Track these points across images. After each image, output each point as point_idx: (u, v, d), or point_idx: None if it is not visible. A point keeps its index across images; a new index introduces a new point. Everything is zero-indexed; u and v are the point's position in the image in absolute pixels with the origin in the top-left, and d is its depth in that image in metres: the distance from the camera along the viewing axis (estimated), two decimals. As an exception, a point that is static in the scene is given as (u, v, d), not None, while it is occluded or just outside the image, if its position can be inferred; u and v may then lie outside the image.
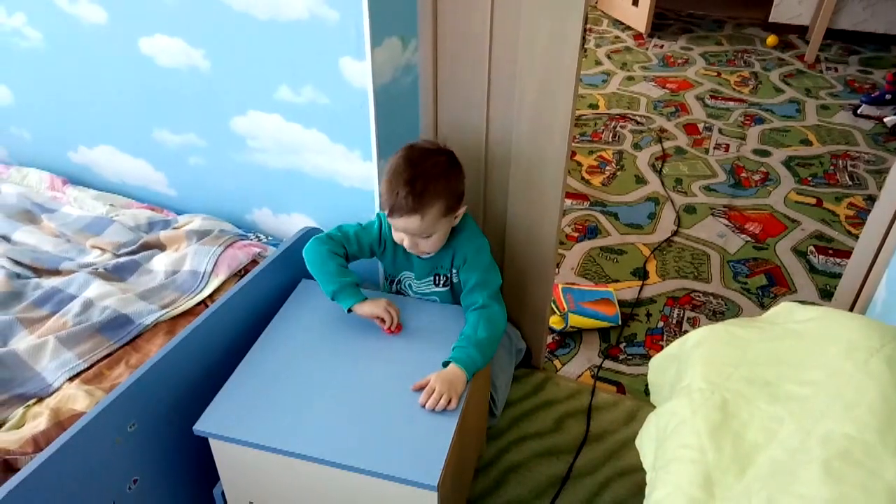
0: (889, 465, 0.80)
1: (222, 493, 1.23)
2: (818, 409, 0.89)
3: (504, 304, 1.36)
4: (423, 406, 1.15)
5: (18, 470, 0.99)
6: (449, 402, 1.15)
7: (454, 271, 1.38)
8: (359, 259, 1.41)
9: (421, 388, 1.18)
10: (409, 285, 1.44)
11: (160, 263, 1.48)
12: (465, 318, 1.33)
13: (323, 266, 1.32)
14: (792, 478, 0.81)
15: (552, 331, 2.00)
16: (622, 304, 2.12)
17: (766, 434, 0.90)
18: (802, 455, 0.83)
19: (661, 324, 2.07)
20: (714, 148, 3.06)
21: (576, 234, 2.47)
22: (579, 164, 2.92)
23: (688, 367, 1.07)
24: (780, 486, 0.80)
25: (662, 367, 1.19)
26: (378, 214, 1.41)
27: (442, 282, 1.40)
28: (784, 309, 1.14)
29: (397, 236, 1.30)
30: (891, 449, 0.81)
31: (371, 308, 1.30)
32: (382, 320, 1.30)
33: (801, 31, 4.31)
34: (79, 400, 1.12)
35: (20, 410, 1.13)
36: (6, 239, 1.58)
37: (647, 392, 1.84)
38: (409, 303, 1.41)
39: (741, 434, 0.91)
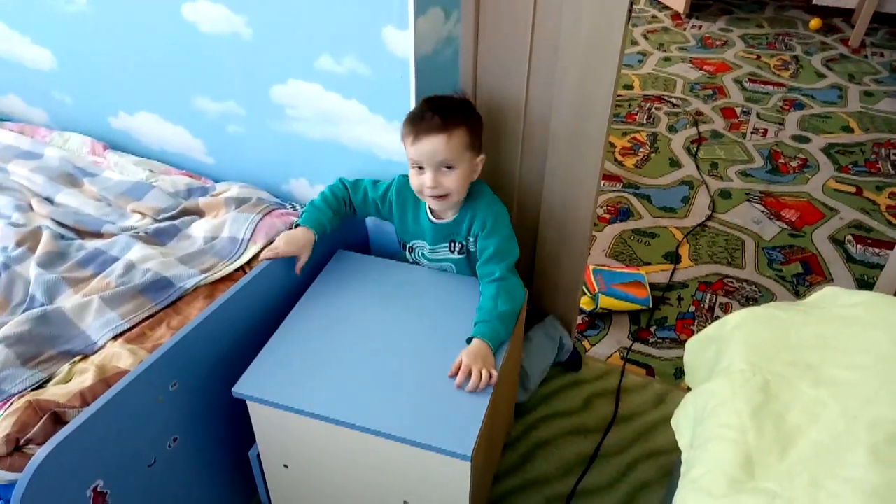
0: (938, 452, 0.78)
1: (258, 454, 1.26)
2: (865, 394, 0.87)
3: (519, 277, 1.34)
4: (461, 387, 1.14)
5: (67, 422, 1.02)
6: (490, 377, 1.14)
7: (471, 239, 1.35)
8: (367, 215, 1.51)
9: (455, 373, 1.16)
10: (423, 254, 1.42)
11: (199, 229, 1.50)
12: (481, 290, 1.31)
13: (315, 198, 1.43)
14: (837, 461, 0.80)
15: (582, 312, 1.99)
16: (653, 287, 2.10)
17: (808, 417, 0.89)
18: (848, 439, 0.82)
19: (692, 308, 2.05)
20: (751, 132, 3.00)
21: (608, 216, 2.45)
22: (613, 145, 2.88)
23: (728, 349, 1.06)
24: (825, 468, 0.80)
25: (700, 349, 1.18)
26: (395, 177, 1.43)
27: (458, 249, 1.38)
28: (828, 293, 1.12)
29: (417, 181, 1.28)
30: (940, 435, 0.80)
31: (284, 240, 1.35)
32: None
33: (846, 14, 4.17)
34: (123, 358, 1.15)
35: (66, 367, 1.16)
36: (49, 201, 1.61)
37: (677, 376, 1.83)
38: (441, 274, 1.41)
39: (783, 416, 0.91)
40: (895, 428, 0.81)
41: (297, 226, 1.37)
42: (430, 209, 1.36)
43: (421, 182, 1.27)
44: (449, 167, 1.25)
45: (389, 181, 1.43)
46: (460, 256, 1.39)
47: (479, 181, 1.35)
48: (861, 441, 0.81)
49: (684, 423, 1.05)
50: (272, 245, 1.36)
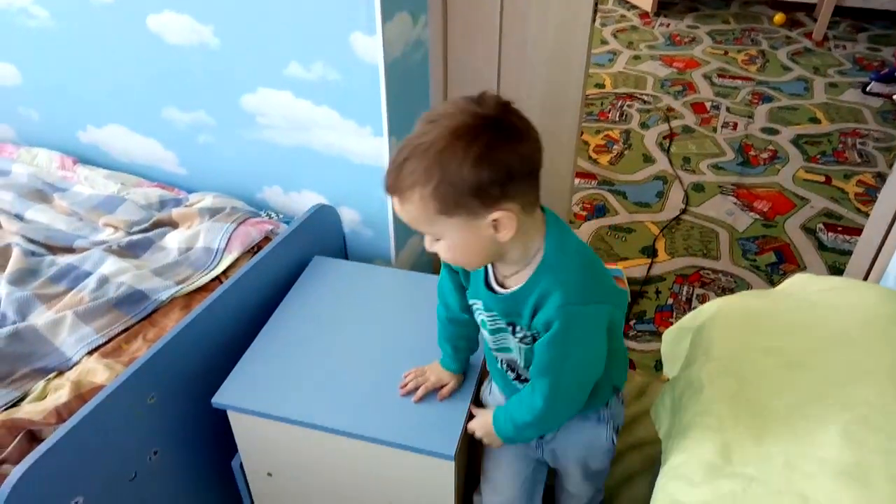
0: (907, 429, 0.80)
1: (241, 464, 1.25)
2: (835, 377, 0.89)
3: (572, 403, 0.98)
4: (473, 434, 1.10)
5: (42, 440, 1.00)
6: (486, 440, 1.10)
7: (532, 333, 0.93)
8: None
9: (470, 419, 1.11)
10: (482, 321, 1.02)
11: (173, 240, 1.49)
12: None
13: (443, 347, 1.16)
14: (810, 442, 0.81)
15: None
16: (631, 281, 2.12)
17: (781, 400, 0.91)
18: (820, 420, 0.84)
19: (670, 301, 2.08)
20: (722, 126, 3.05)
21: (584, 213, 2.47)
22: (586, 143, 2.91)
23: (703, 338, 1.08)
24: (798, 450, 0.81)
25: (676, 339, 1.19)
26: None
27: (519, 335, 0.96)
28: (799, 280, 1.15)
29: None
30: (908, 413, 0.82)
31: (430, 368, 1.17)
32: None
33: (809, 8, 4.26)
34: (99, 373, 1.14)
35: (41, 383, 1.14)
36: (19, 217, 1.59)
37: (657, 368, 1.85)
38: (423, 279, 1.42)
39: (757, 401, 0.92)
40: (865, 409, 0.82)
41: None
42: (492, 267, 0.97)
43: None
44: (436, 238, 0.89)
45: None
46: (525, 346, 0.97)
47: (565, 237, 0.91)
48: (832, 422, 0.82)
49: (662, 413, 1.06)
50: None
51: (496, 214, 0.82)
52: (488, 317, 0.99)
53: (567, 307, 0.86)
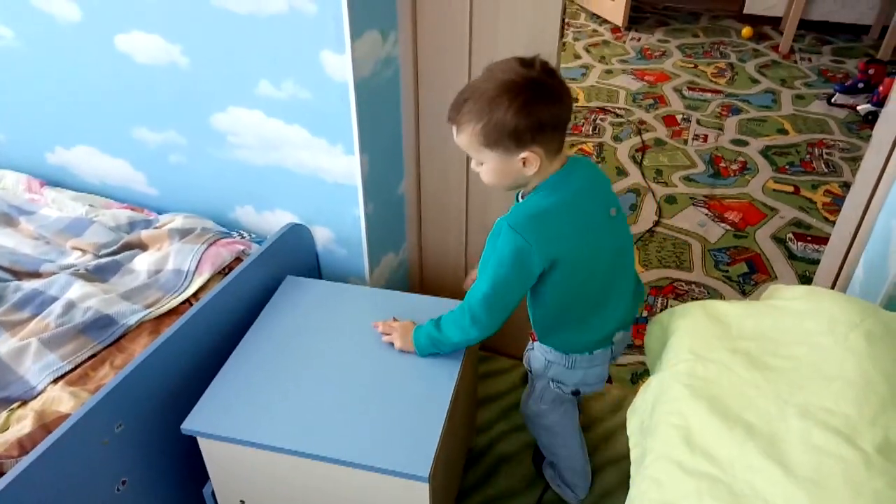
0: (866, 436, 0.82)
1: (212, 492, 1.23)
2: (796, 381, 0.91)
3: (483, 323, 1.18)
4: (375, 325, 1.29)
5: (3, 474, 0.97)
6: (387, 335, 1.28)
7: None
8: None
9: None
10: None
11: (142, 263, 1.46)
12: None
13: None
14: (771, 445, 0.83)
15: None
16: (606, 294, 2.14)
17: (743, 400, 0.92)
18: (780, 423, 0.85)
19: (645, 313, 2.09)
20: (693, 139, 3.10)
21: (559, 227, 2.49)
22: (561, 156, 2.93)
23: (674, 339, 1.10)
24: (760, 452, 0.82)
25: (652, 332, 1.22)
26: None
27: None
28: (771, 289, 1.17)
29: None
30: (867, 420, 0.84)
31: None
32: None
33: (775, 22, 4.36)
34: (64, 402, 1.11)
35: (4, 414, 1.11)
36: (-17, 242, 1.55)
37: (633, 381, 1.86)
38: (396, 297, 1.41)
39: (719, 398, 0.93)
40: (825, 415, 0.84)
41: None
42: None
43: None
44: (479, 161, 1.13)
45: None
46: None
47: (535, 195, 1.14)
48: (793, 427, 0.84)
49: (634, 417, 1.07)
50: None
51: (525, 154, 1.08)
52: None
53: (502, 220, 1.13)
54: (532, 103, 1.04)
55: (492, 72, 1.09)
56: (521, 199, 1.20)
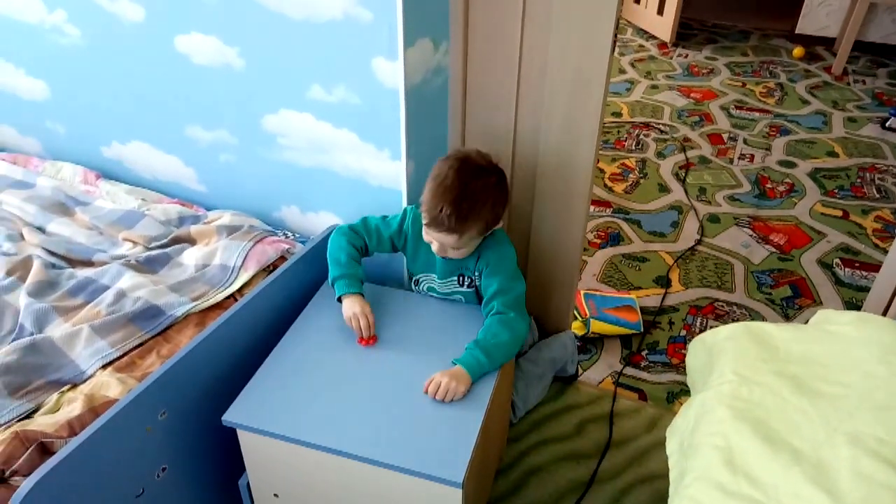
0: (922, 471, 0.79)
1: (248, 484, 1.25)
2: (846, 409, 0.88)
3: (525, 314, 1.34)
4: (426, 393, 1.19)
5: (54, 453, 1.01)
6: (449, 392, 1.18)
7: (477, 273, 1.37)
8: (381, 253, 1.44)
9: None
10: (432, 287, 1.43)
11: (191, 257, 1.50)
12: (484, 323, 1.31)
13: (336, 254, 1.36)
14: (818, 472, 0.80)
15: (574, 336, 1.99)
16: (644, 311, 2.11)
17: (789, 424, 0.90)
18: (828, 450, 0.83)
19: (683, 332, 2.06)
20: (739, 158, 3.04)
21: (598, 241, 2.47)
22: (602, 171, 2.92)
23: (718, 359, 1.08)
24: (807, 478, 0.80)
25: (695, 351, 1.20)
26: (405, 209, 1.42)
27: (466, 283, 1.39)
28: (820, 314, 1.14)
29: (427, 237, 1.30)
30: (924, 455, 0.81)
31: (347, 307, 1.31)
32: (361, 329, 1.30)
33: (829, 42, 4.27)
34: (112, 387, 1.14)
35: (55, 396, 1.15)
36: (41, 230, 1.61)
37: (669, 400, 1.83)
38: (434, 302, 1.42)
39: (764, 421, 0.91)
40: (876, 444, 0.81)
41: (339, 298, 1.33)
42: None
43: (429, 240, 1.29)
44: (458, 248, 1.27)
45: (402, 214, 1.41)
46: (469, 289, 1.39)
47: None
48: (843, 456, 0.81)
49: (674, 436, 1.06)
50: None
51: (497, 226, 1.31)
52: (439, 283, 1.41)
53: (499, 248, 1.34)
54: (506, 194, 1.29)
55: (471, 170, 1.23)
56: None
